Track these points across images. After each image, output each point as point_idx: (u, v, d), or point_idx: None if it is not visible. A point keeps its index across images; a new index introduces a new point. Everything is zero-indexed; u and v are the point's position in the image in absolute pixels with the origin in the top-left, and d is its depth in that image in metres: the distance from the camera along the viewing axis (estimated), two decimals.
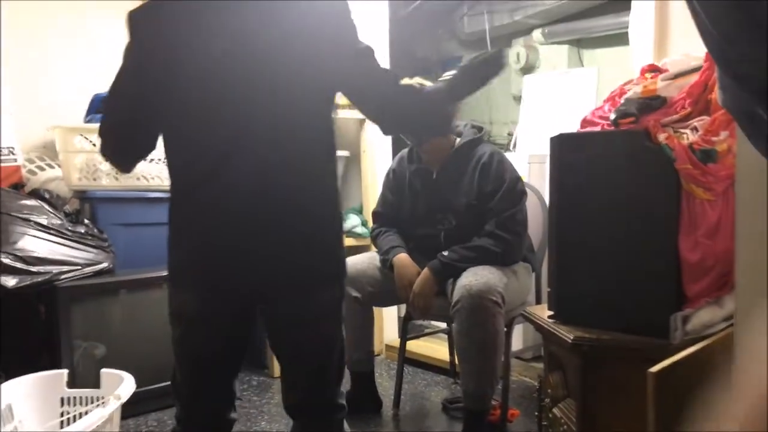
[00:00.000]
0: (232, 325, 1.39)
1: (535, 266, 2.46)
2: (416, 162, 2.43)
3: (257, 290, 1.35)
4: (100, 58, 3.41)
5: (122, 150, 1.46)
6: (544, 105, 3.24)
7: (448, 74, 1.49)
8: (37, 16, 3.29)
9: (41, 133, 3.32)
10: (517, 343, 2.84)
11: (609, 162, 1.49)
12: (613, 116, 1.50)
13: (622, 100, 1.55)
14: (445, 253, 2.25)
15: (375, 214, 2.55)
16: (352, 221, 3.25)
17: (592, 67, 3.27)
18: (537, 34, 3.85)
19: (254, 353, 3.08)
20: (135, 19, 1.34)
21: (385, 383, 2.89)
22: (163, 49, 1.30)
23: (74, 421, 2.17)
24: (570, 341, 1.47)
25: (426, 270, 2.26)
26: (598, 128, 1.57)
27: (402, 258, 2.33)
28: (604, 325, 1.51)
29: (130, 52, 1.35)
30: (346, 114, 3.20)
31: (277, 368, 3.01)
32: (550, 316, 1.61)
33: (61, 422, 2.20)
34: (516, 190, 2.27)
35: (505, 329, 2.26)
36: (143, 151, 1.46)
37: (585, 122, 1.63)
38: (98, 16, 3.41)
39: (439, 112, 1.46)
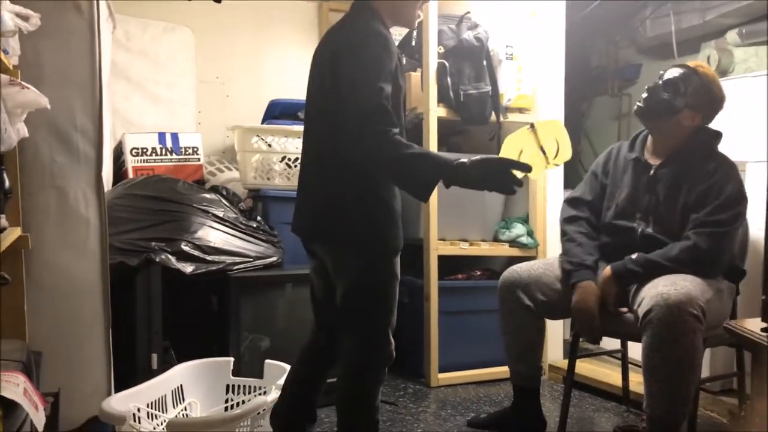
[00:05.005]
0: None
1: (739, 288, 2.18)
2: (637, 152, 2.25)
3: None
4: (274, 71, 3.71)
5: None
6: (742, 111, 2.89)
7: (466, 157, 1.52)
8: (220, 42, 3.70)
9: (222, 139, 3.60)
10: (703, 371, 2.51)
11: None
12: None
13: None
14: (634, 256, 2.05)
15: (574, 199, 2.35)
16: (517, 230, 3.09)
17: None
18: (732, 35, 3.46)
19: (412, 362, 3.02)
20: None
21: (548, 404, 2.69)
22: None
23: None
24: None
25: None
26: None
27: (587, 287, 2.11)
28: None
29: None
30: (515, 118, 3.08)
31: (433, 378, 2.92)
32: (764, 329, 1.36)
33: (225, 408, 2.26)
34: (736, 196, 2.04)
35: None
36: None
37: None
38: (270, 39, 3.81)
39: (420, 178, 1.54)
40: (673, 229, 2.08)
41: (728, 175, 2.06)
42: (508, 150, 1.85)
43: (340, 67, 1.58)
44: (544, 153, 1.91)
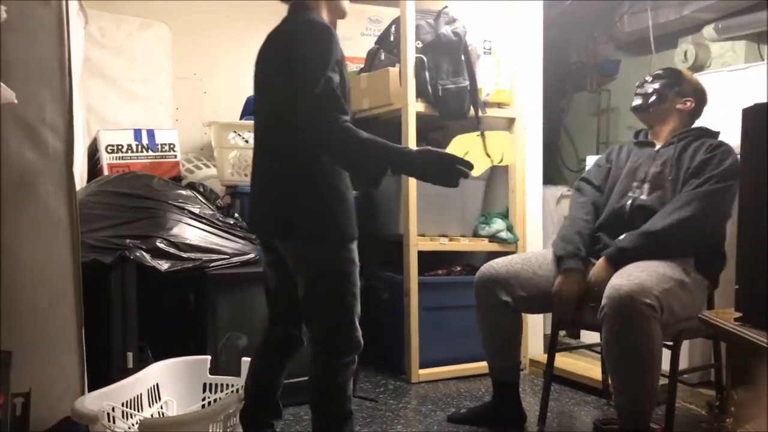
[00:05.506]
0: None
1: (715, 282, 2.18)
2: (642, 137, 2.36)
3: None
4: (252, 67, 3.67)
5: None
6: (720, 105, 2.92)
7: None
8: (197, 39, 3.65)
9: (200, 136, 3.56)
10: (681, 363, 2.52)
11: None
12: None
13: None
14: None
15: (584, 180, 2.42)
16: (497, 225, 3.09)
17: None
18: (708, 29, 3.48)
19: (392, 358, 3.01)
20: None
21: (528, 398, 2.69)
22: None
23: None
24: None
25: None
26: None
27: (574, 274, 2.14)
28: None
29: None
30: (494, 113, 3.08)
31: (414, 374, 2.91)
32: (737, 319, 1.36)
33: (202, 407, 2.23)
34: (734, 171, 2.09)
35: (671, 344, 2.02)
36: None
37: None
38: (248, 35, 3.67)
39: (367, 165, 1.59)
40: (669, 197, 2.14)
41: (729, 153, 2.14)
42: (455, 149, 1.91)
43: (290, 59, 1.62)
44: (489, 157, 1.99)
